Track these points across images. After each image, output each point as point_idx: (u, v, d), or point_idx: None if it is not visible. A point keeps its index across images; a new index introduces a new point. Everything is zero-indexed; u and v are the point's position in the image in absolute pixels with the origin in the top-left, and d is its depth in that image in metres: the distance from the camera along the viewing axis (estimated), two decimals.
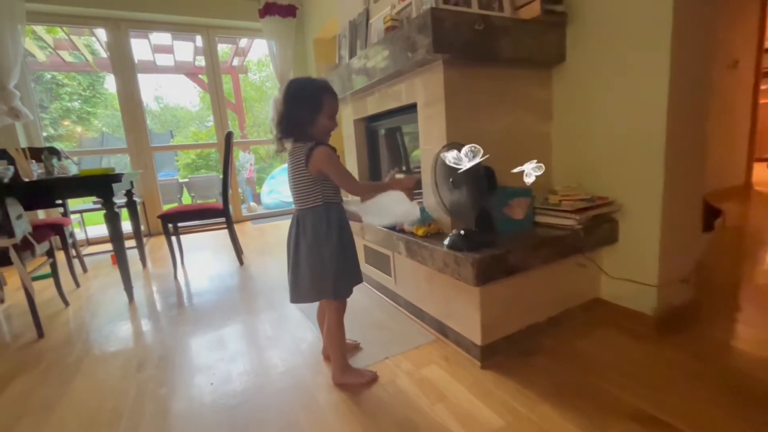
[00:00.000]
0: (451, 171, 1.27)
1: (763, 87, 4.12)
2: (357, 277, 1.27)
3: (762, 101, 4.02)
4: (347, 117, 2.30)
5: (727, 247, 2.26)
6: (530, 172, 1.29)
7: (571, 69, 1.58)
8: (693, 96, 1.35)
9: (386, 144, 2.16)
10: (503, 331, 1.35)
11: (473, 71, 1.45)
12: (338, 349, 1.27)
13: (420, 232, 1.48)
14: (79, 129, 10.93)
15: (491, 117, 1.53)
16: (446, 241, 1.32)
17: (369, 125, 2.20)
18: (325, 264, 1.18)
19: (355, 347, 1.47)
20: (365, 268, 2.09)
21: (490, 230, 1.33)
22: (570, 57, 1.58)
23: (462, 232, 1.30)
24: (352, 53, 2.08)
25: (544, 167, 1.29)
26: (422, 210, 1.55)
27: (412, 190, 1.23)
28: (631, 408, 1.04)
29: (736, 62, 3.57)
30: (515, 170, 1.30)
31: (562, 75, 1.62)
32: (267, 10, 4.08)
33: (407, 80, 1.61)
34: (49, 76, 9.85)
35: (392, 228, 1.63)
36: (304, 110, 1.15)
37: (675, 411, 1.01)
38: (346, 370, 1.27)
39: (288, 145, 1.20)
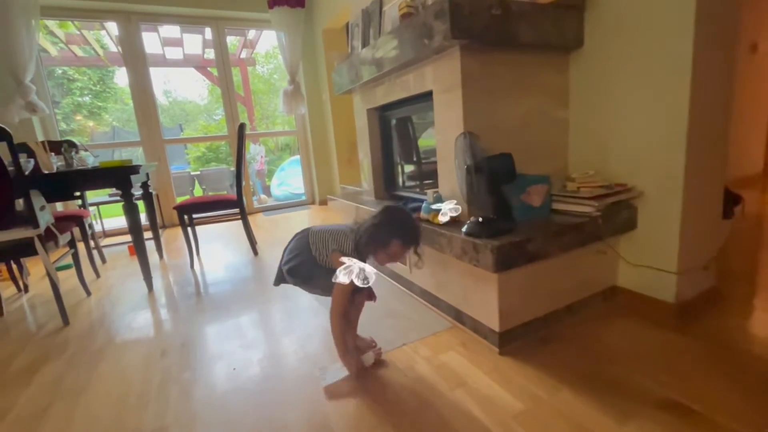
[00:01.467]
0: (467, 158, 1.27)
1: None
2: None
3: None
4: (359, 107, 2.29)
5: (747, 234, 2.22)
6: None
7: (589, 54, 1.56)
8: (716, 82, 1.32)
9: (398, 133, 2.15)
10: (521, 318, 1.35)
11: (490, 57, 1.44)
12: (334, 336, 1.29)
13: (436, 219, 1.48)
14: (90, 123, 11.07)
15: (508, 103, 1.51)
16: (464, 229, 1.32)
17: (382, 115, 2.20)
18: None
19: (370, 347, 1.41)
20: None
21: (508, 218, 1.33)
22: (588, 42, 1.55)
23: (480, 219, 1.30)
24: (365, 42, 2.07)
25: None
26: (438, 198, 1.55)
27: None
28: (657, 396, 1.04)
29: (756, 46, 3.48)
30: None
31: (580, 60, 1.59)
32: (276, 1, 4.06)
33: (423, 68, 1.59)
34: (60, 72, 9.96)
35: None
36: (373, 240, 1.20)
37: (701, 398, 1.01)
38: (342, 355, 1.28)
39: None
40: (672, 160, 1.33)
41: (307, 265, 1.26)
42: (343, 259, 1.13)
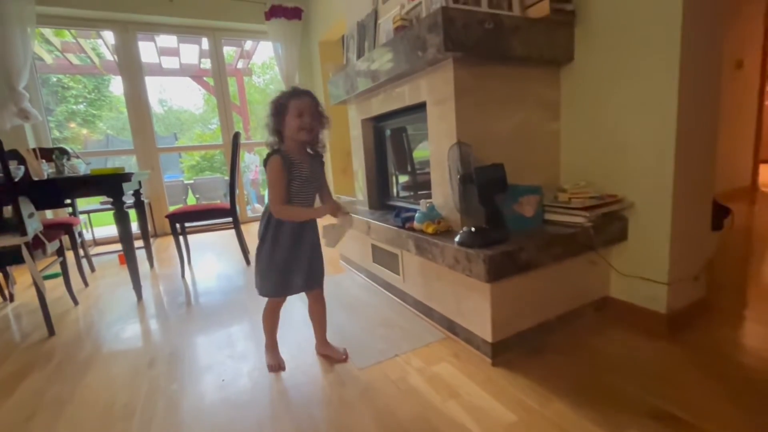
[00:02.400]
0: (461, 168, 1.28)
1: None
2: (282, 287, 1.32)
3: (767, 102, 4.01)
4: (354, 117, 2.31)
5: (736, 246, 2.25)
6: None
7: (579, 68, 1.59)
8: (702, 95, 1.36)
9: (392, 144, 2.17)
10: (514, 328, 1.35)
11: (483, 70, 1.46)
12: (264, 329, 1.42)
13: (429, 229, 1.48)
14: (84, 131, 11.02)
15: (501, 115, 1.54)
16: (457, 238, 1.32)
17: (377, 125, 2.21)
18: (259, 259, 1.30)
19: (339, 360, 1.40)
20: (373, 267, 2.10)
21: (501, 227, 1.34)
22: (578, 56, 1.58)
23: (473, 229, 1.30)
24: (360, 54, 2.09)
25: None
26: (431, 208, 1.56)
27: (336, 214, 1.26)
28: (649, 406, 1.03)
29: (741, 63, 3.57)
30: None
31: (571, 74, 1.62)
32: (273, 13, 4.11)
33: (417, 79, 1.62)
34: (54, 79, 9.93)
35: (401, 226, 1.63)
36: (273, 117, 1.23)
37: (693, 409, 1.01)
38: (268, 348, 1.43)
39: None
40: (661, 171, 1.35)
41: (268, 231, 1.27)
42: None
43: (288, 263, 1.29)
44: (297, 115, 1.21)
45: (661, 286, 1.39)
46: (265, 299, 1.36)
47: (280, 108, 1.22)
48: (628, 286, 1.51)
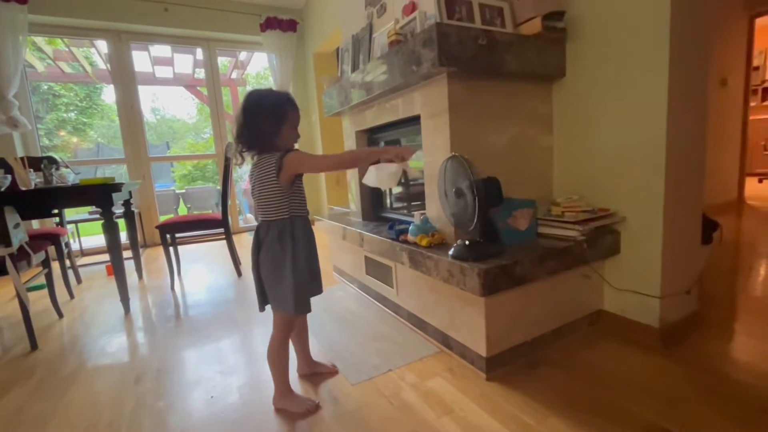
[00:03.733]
0: (457, 181, 1.28)
1: (752, 104, 4.23)
2: (317, 289, 1.25)
3: (751, 118, 4.12)
4: (348, 129, 2.32)
5: (725, 259, 2.28)
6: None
7: (571, 84, 1.62)
8: (691, 111, 1.38)
9: None
10: (508, 342, 1.34)
11: (476, 85, 1.48)
12: (278, 369, 1.21)
13: (423, 242, 1.47)
14: (74, 139, 10.89)
15: (494, 129, 1.55)
16: (451, 252, 1.32)
17: (371, 137, 2.22)
18: (285, 276, 1.14)
19: (331, 372, 1.39)
20: (366, 279, 2.08)
21: (495, 241, 1.34)
22: (570, 72, 1.61)
23: (467, 242, 1.30)
24: (355, 67, 2.11)
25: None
26: (425, 220, 1.55)
27: (406, 158, 1.15)
28: (643, 421, 1.03)
29: (726, 80, 3.68)
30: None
31: (563, 89, 1.65)
32: (268, 24, 4.14)
33: (411, 93, 1.63)
34: (45, 87, 9.84)
35: (395, 238, 1.63)
36: (268, 121, 1.12)
37: (687, 424, 1.00)
38: (286, 394, 1.21)
39: (249, 157, 1.18)
40: (652, 186, 1.37)
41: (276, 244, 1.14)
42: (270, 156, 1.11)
43: (311, 263, 1.20)
44: (293, 127, 1.18)
45: (653, 299, 1.40)
46: (257, 312, 1.28)
47: (277, 115, 1.13)
48: (621, 299, 1.52)
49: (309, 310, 1.21)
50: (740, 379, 1.18)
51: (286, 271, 1.14)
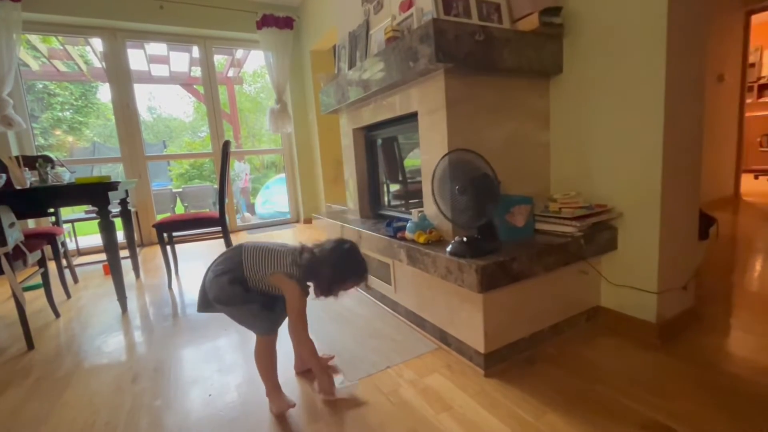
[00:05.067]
0: (459, 178, 1.28)
1: (748, 101, 4.25)
2: (274, 321, 1.24)
3: (747, 114, 4.13)
4: (345, 127, 2.31)
5: (722, 255, 2.29)
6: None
7: (568, 80, 1.61)
8: (688, 107, 1.38)
9: (383, 153, 2.17)
10: (506, 338, 1.34)
11: (473, 81, 1.47)
12: (264, 370, 1.23)
13: (421, 239, 1.47)
14: (70, 138, 10.82)
15: (491, 126, 1.55)
16: (449, 248, 1.32)
17: (368, 135, 2.21)
18: (233, 305, 1.18)
19: (330, 359, 1.46)
20: None
21: (493, 237, 1.33)
22: (567, 68, 1.61)
23: (465, 239, 1.30)
24: (352, 64, 2.10)
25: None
26: (423, 218, 1.55)
27: (322, 391, 1.22)
28: (642, 417, 1.03)
29: (722, 76, 3.68)
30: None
31: (560, 85, 1.65)
32: (264, 22, 4.12)
33: (408, 89, 1.62)
34: (41, 86, 9.77)
35: (393, 235, 1.62)
36: (338, 278, 1.20)
37: (685, 419, 1.01)
38: (271, 393, 1.22)
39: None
40: (649, 181, 1.37)
41: (236, 286, 1.15)
42: (287, 279, 1.15)
43: (267, 294, 1.20)
44: (346, 288, 1.22)
45: (650, 295, 1.40)
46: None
47: (346, 276, 1.21)
48: (619, 295, 1.52)
49: (272, 331, 1.22)
50: (737, 373, 1.19)
51: (234, 300, 1.17)
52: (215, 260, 1.24)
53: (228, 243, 2.70)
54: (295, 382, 1.34)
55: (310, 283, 1.20)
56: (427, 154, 1.57)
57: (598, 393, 1.14)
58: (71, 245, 3.78)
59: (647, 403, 1.08)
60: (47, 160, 2.51)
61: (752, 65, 5.28)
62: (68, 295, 2.45)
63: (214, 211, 2.64)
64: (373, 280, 1.98)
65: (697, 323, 1.50)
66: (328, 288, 1.19)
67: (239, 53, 6.17)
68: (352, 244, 1.26)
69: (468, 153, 1.28)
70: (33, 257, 1.85)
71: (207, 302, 1.22)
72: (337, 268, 1.19)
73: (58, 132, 10.66)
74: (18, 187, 1.99)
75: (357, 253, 1.25)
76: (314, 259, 1.19)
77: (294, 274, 1.16)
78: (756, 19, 3.92)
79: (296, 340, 1.22)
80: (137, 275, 2.85)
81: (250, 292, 1.17)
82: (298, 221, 5.04)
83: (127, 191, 2.70)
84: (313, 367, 1.24)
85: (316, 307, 1.94)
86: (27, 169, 2.19)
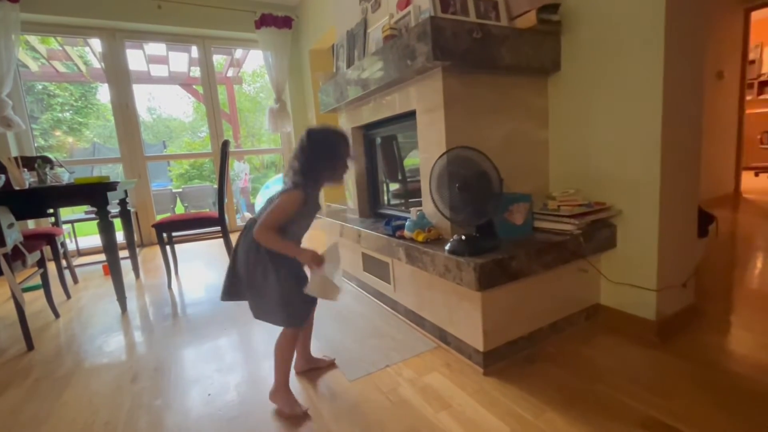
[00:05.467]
0: (459, 175, 1.28)
1: (748, 98, 4.24)
2: (307, 303, 1.24)
3: (747, 111, 4.12)
4: (344, 126, 2.30)
5: (721, 252, 2.29)
6: None
7: (566, 77, 1.61)
8: (686, 104, 1.38)
9: (382, 152, 2.17)
10: (505, 337, 1.34)
11: (471, 79, 1.47)
12: (281, 366, 1.21)
13: (420, 237, 1.47)
14: (70, 139, 10.83)
15: (489, 124, 1.54)
16: (447, 247, 1.31)
17: (367, 133, 2.21)
18: (264, 289, 1.16)
19: (329, 366, 1.41)
20: (363, 276, 2.08)
21: (492, 235, 1.33)
22: (565, 65, 1.60)
23: (463, 237, 1.30)
24: (350, 62, 2.10)
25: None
26: (421, 216, 1.55)
27: (312, 264, 1.14)
28: (641, 415, 1.03)
29: (722, 73, 3.68)
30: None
31: (558, 83, 1.64)
32: (263, 22, 4.11)
33: (406, 88, 1.62)
34: (40, 87, 9.78)
35: (392, 234, 1.62)
36: (328, 162, 1.17)
37: (684, 417, 1.01)
38: (282, 391, 1.20)
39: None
40: (648, 179, 1.36)
41: (261, 250, 1.13)
42: (293, 190, 1.12)
43: (299, 272, 1.20)
44: (344, 167, 1.19)
45: (650, 293, 1.40)
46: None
47: (337, 156, 1.17)
48: (618, 293, 1.52)
49: (305, 318, 1.22)
50: (736, 371, 1.19)
51: (267, 282, 1.15)
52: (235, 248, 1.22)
53: (228, 243, 2.70)
54: (296, 381, 1.34)
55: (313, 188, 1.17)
56: (425, 153, 1.57)
57: (598, 391, 1.14)
58: (71, 246, 3.78)
59: (647, 401, 1.08)
60: (46, 160, 2.51)
61: (752, 62, 5.27)
62: (68, 296, 2.45)
63: (214, 211, 2.64)
64: (372, 279, 1.98)
65: (697, 321, 1.49)
66: (333, 172, 1.18)
67: (238, 53, 6.17)
68: (315, 129, 1.18)
69: (468, 150, 1.27)
70: (32, 258, 1.85)
71: (234, 286, 1.20)
72: (326, 152, 1.16)
73: (58, 133, 10.67)
74: (17, 188, 1.99)
75: (329, 130, 1.19)
76: (306, 161, 1.14)
77: (299, 183, 1.13)
78: (756, 15, 3.91)
79: (262, 236, 1.12)
80: (137, 275, 2.85)
81: (275, 257, 1.14)
82: None
83: (126, 191, 2.70)
84: (296, 252, 1.15)
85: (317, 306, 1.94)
86: (26, 169, 2.19)
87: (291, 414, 1.16)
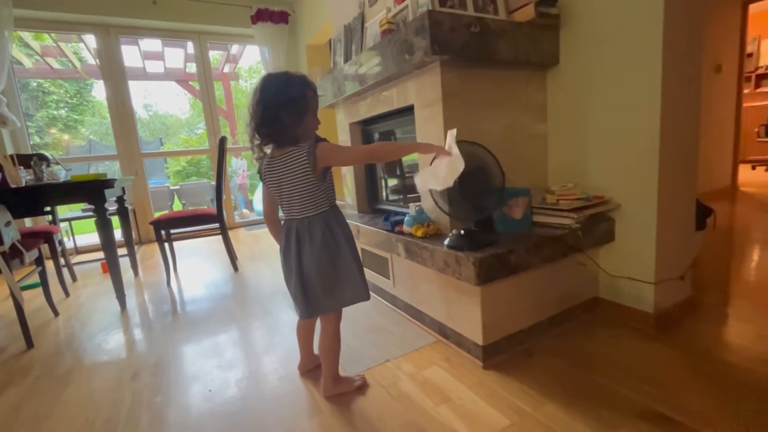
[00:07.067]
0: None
1: (745, 91, 4.25)
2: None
3: (745, 105, 4.13)
4: (342, 121, 2.30)
5: (719, 245, 2.30)
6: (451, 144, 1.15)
7: (565, 71, 1.60)
8: (684, 98, 1.38)
9: None
10: (505, 330, 1.34)
11: (470, 73, 1.47)
12: (335, 359, 1.22)
13: (419, 233, 1.47)
14: (66, 137, 10.77)
15: (488, 118, 1.54)
16: (446, 241, 1.32)
17: (365, 129, 2.20)
18: (349, 265, 1.13)
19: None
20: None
21: (490, 230, 1.33)
22: (564, 59, 1.60)
23: (462, 232, 1.30)
24: (348, 57, 2.08)
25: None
26: (420, 211, 1.55)
27: (441, 151, 1.12)
28: (639, 406, 1.04)
29: (720, 67, 3.67)
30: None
31: (557, 77, 1.64)
32: (259, 17, 4.08)
33: (404, 82, 1.61)
34: (35, 84, 9.70)
35: (391, 229, 1.62)
36: (290, 111, 1.05)
37: (682, 408, 1.01)
38: (338, 380, 1.23)
39: (269, 150, 1.11)
40: (646, 173, 1.37)
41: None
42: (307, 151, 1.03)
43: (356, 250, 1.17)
44: (315, 114, 1.10)
45: (648, 286, 1.41)
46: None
47: (304, 106, 1.06)
48: (616, 286, 1.53)
49: (368, 297, 1.20)
50: (734, 362, 1.20)
51: (347, 261, 1.13)
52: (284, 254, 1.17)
53: (226, 239, 2.70)
54: (299, 379, 1.34)
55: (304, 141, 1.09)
56: None
57: (597, 383, 1.15)
58: (69, 244, 3.77)
59: (645, 392, 1.09)
60: (42, 158, 2.49)
61: (750, 55, 5.26)
62: (67, 294, 2.45)
63: (212, 208, 2.63)
64: (371, 274, 1.98)
65: (695, 313, 1.50)
66: (299, 120, 1.06)
67: (234, 49, 6.11)
68: (273, 74, 1.09)
69: (469, 145, 1.27)
70: (30, 256, 1.85)
71: (309, 297, 1.14)
72: (280, 104, 1.03)
73: (53, 130, 10.60)
74: (13, 186, 1.98)
75: (280, 79, 1.08)
76: (273, 120, 1.04)
77: (302, 146, 1.05)
78: (754, 8, 3.90)
79: (365, 151, 1.17)
80: (136, 273, 2.85)
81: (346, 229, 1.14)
82: None
83: (123, 189, 2.69)
84: (410, 151, 1.16)
85: None
86: (22, 167, 2.18)
87: (355, 390, 1.21)
